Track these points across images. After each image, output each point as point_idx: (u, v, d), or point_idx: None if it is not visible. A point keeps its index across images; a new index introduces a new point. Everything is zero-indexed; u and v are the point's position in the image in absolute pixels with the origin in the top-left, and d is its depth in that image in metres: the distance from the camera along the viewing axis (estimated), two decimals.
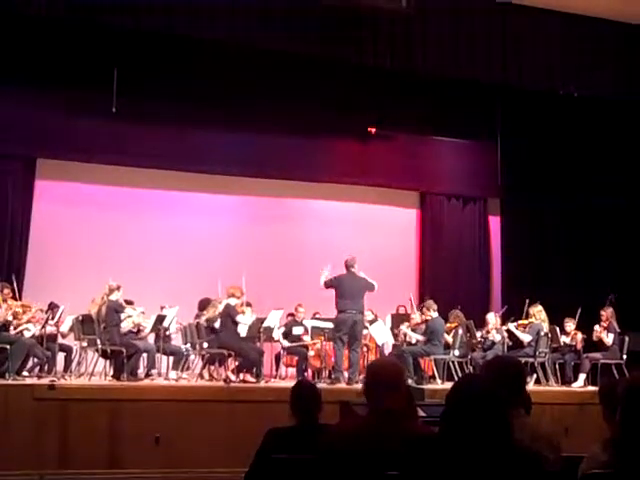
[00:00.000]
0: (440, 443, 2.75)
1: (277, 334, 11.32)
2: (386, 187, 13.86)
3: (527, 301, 11.27)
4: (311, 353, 11.14)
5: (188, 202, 13.14)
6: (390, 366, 3.48)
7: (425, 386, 9.75)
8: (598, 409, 3.53)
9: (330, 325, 10.48)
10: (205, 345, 10.32)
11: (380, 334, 11.20)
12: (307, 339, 11.29)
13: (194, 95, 11.78)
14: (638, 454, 2.64)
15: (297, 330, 11.39)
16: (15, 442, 7.93)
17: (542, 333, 10.89)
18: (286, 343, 11.33)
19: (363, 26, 9.78)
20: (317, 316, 11.58)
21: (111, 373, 9.76)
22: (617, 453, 2.74)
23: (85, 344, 10.14)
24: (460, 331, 11.07)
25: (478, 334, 11.36)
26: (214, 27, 9.41)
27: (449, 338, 11.05)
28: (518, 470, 2.70)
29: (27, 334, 9.91)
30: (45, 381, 8.92)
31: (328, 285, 10.17)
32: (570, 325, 11.17)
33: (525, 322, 11.13)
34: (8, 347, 9.15)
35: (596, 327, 10.92)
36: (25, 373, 9.74)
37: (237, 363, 10.07)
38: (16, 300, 10.17)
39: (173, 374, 10.36)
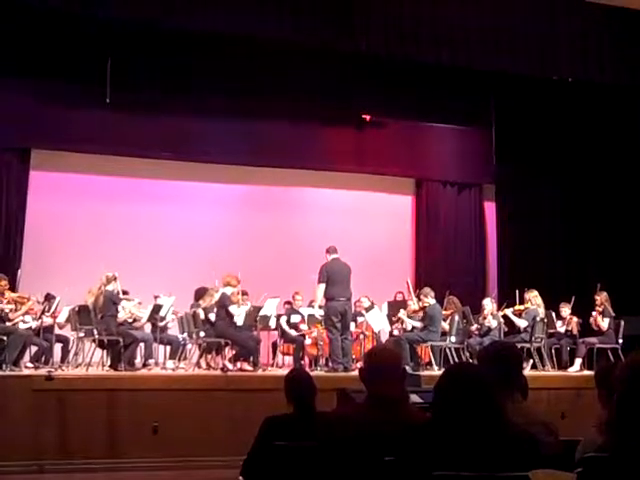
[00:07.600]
0: (432, 428, 2.78)
1: (274, 322, 11.32)
2: (381, 174, 13.84)
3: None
4: (308, 341, 11.14)
5: (184, 191, 13.10)
6: (388, 353, 3.51)
7: (422, 372, 9.76)
8: (594, 393, 3.54)
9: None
10: (202, 334, 10.33)
11: (377, 321, 11.22)
12: (304, 327, 11.29)
13: (188, 84, 11.75)
14: (634, 436, 2.65)
15: (294, 318, 11.39)
16: (14, 433, 7.94)
17: (538, 318, 10.92)
18: (289, 330, 11.27)
19: (356, 13, 9.76)
20: (314, 304, 11.55)
21: (108, 363, 9.76)
22: (613, 436, 2.74)
23: (82, 334, 10.14)
24: (456, 317, 11.09)
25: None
26: (207, 17, 9.36)
27: (445, 325, 11.06)
28: (515, 454, 2.72)
29: (23, 326, 9.93)
30: (43, 372, 8.92)
31: (322, 280, 10.02)
32: (565, 310, 11.21)
33: (521, 308, 11.15)
34: (5, 338, 9.14)
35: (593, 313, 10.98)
36: (29, 364, 9.78)
37: (234, 352, 10.08)
38: (13, 292, 10.16)
39: (170, 364, 10.37)
